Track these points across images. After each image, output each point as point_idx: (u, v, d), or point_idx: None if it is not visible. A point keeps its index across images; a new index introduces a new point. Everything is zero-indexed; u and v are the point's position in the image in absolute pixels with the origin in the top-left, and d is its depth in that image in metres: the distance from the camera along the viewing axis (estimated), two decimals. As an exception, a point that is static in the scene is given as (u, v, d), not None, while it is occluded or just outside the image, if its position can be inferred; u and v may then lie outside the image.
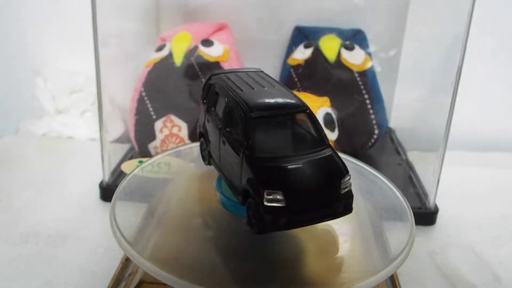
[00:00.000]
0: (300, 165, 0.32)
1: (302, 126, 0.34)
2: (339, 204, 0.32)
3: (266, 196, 0.30)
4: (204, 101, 0.40)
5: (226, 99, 0.36)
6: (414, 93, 0.73)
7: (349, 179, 0.33)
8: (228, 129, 0.35)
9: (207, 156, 0.40)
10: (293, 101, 0.35)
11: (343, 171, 0.33)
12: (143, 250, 0.34)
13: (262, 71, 0.40)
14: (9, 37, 0.82)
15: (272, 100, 0.34)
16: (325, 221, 0.32)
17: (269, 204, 0.30)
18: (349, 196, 0.33)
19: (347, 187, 0.32)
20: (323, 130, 0.35)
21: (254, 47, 0.73)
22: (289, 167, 0.31)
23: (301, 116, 0.34)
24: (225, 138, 0.35)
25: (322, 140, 0.34)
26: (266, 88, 0.36)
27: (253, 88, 0.36)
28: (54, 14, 0.80)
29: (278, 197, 0.30)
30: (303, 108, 0.34)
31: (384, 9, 0.73)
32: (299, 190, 0.31)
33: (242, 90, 0.35)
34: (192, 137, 0.61)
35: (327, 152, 0.34)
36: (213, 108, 0.38)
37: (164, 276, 0.31)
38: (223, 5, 0.72)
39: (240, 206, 0.34)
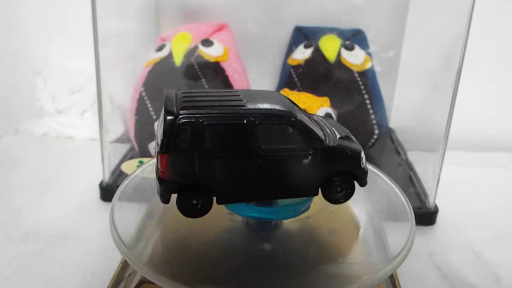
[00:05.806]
0: (347, 131, 0.38)
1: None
2: None
3: (362, 161, 0.36)
4: (180, 151, 0.32)
5: (244, 121, 0.33)
6: (414, 93, 0.73)
7: None
8: (264, 147, 0.33)
9: (207, 203, 0.34)
10: (280, 95, 0.37)
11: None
12: (141, 254, 0.34)
13: (193, 90, 0.38)
14: (9, 37, 0.82)
15: (277, 101, 0.35)
16: None
17: (363, 166, 0.36)
18: None
19: None
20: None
21: (254, 47, 0.73)
22: (346, 135, 0.37)
23: None
24: (271, 155, 0.33)
25: (311, 115, 0.39)
26: (244, 95, 0.35)
27: (242, 100, 0.34)
28: (54, 14, 0.80)
29: (364, 157, 0.36)
30: (289, 98, 0.38)
31: (384, 9, 0.73)
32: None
33: (244, 106, 0.33)
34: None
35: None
36: (204, 147, 0.32)
37: (162, 281, 0.31)
38: (223, 5, 0.72)
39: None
